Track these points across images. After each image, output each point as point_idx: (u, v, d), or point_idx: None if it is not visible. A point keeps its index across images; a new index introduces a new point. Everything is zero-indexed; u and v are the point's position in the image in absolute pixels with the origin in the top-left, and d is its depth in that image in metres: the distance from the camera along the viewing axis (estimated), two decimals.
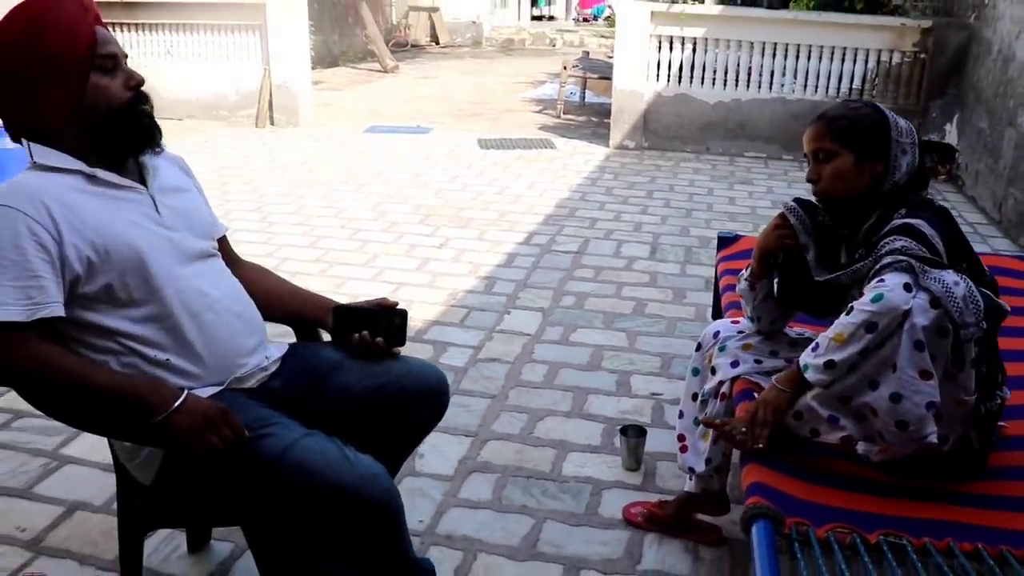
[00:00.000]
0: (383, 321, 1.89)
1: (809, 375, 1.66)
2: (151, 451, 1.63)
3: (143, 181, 1.70)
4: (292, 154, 6.92)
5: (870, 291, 1.59)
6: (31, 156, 1.58)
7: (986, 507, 1.67)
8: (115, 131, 1.61)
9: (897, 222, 1.73)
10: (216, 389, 1.67)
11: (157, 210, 1.68)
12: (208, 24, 7.96)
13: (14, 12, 1.56)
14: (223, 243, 1.89)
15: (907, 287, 1.56)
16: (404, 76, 11.90)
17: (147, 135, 1.66)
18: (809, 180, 1.88)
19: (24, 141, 1.59)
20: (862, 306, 1.59)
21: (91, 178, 1.61)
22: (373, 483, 1.56)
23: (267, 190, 5.80)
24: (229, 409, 1.54)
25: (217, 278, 1.75)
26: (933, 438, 1.61)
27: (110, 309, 1.58)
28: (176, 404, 1.49)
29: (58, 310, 1.50)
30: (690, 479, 2.17)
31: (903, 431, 1.61)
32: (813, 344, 1.69)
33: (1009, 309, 1.71)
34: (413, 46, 15.26)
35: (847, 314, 1.62)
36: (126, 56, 1.66)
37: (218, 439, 1.50)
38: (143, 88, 1.65)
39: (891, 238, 1.69)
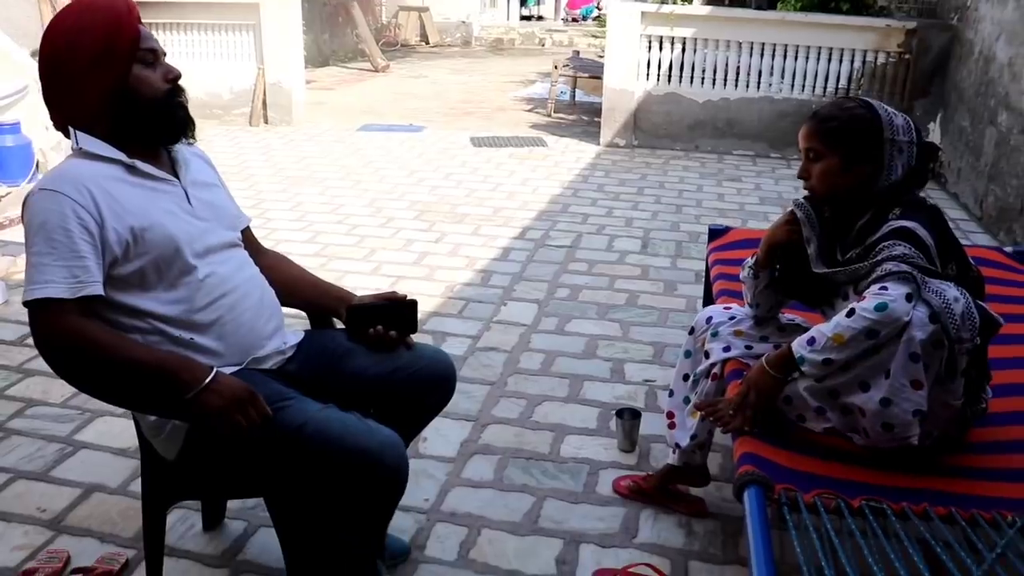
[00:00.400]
0: (395, 314, 1.98)
1: (805, 368, 1.73)
2: (175, 427, 1.72)
3: (175, 174, 1.81)
4: (287, 152, 6.98)
5: (873, 298, 1.63)
6: (76, 142, 1.69)
7: (960, 477, 1.78)
8: (153, 120, 1.73)
9: (893, 224, 1.75)
10: (235, 368, 1.76)
11: (189, 201, 1.79)
12: (202, 23, 8.01)
13: (66, 9, 1.69)
14: (247, 233, 2.01)
15: (908, 297, 1.62)
16: (395, 75, 11.96)
17: (182, 125, 1.78)
18: (800, 177, 1.94)
19: (71, 129, 1.70)
20: (865, 312, 1.63)
21: (130, 168, 1.72)
22: (393, 450, 1.65)
23: (264, 187, 5.87)
24: (257, 392, 1.63)
25: (241, 266, 1.87)
26: (915, 440, 1.70)
27: (141, 291, 1.68)
28: (206, 382, 1.59)
29: (99, 289, 1.61)
30: (673, 453, 2.27)
31: (887, 432, 1.70)
32: (809, 336, 1.73)
33: (1003, 321, 1.78)
34: (403, 46, 15.31)
35: (848, 315, 1.65)
36: (165, 53, 1.77)
37: (244, 419, 1.60)
38: (180, 82, 1.76)
39: (890, 243, 1.71)
